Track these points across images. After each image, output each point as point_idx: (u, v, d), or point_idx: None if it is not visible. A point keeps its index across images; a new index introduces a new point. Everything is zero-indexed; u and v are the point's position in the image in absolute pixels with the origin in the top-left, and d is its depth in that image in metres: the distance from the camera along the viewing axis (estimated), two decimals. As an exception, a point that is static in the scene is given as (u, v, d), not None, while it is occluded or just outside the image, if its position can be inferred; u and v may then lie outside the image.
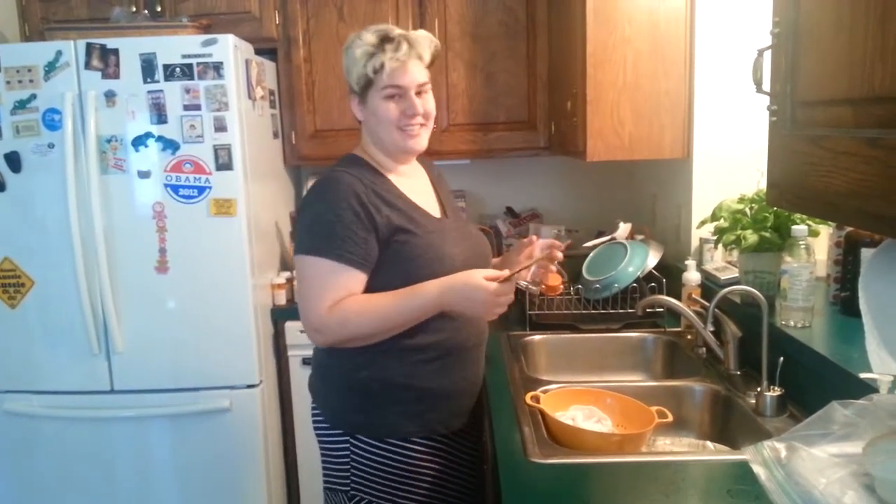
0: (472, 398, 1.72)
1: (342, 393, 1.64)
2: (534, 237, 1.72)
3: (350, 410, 1.63)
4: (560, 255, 1.65)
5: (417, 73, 1.56)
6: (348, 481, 1.64)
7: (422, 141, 1.61)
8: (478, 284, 1.46)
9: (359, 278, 1.52)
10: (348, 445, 1.63)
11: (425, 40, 1.58)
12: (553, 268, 1.68)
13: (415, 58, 1.55)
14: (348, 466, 1.63)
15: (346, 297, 1.51)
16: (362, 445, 1.61)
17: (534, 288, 1.75)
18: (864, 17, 0.78)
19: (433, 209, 1.67)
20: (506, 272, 1.50)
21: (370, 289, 1.55)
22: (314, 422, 1.72)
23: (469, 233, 1.72)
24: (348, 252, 1.50)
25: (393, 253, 1.54)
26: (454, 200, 1.84)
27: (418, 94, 1.57)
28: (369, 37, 1.54)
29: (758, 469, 0.99)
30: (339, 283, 1.51)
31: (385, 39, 1.54)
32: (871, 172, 0.78)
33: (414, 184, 1.68)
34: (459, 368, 1.64)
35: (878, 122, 0.77)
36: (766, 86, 1.03)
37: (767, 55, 1.02)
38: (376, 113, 1.58)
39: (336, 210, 1.51)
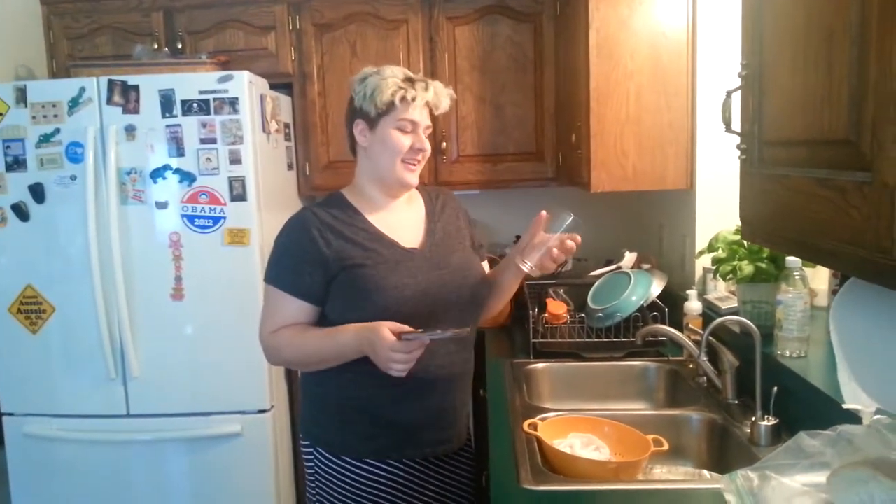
0: (434, 430, 1.69)
1: (307, 404, 1.75)
2: (543, 213, 1.62)
3: (312, 422, 1.73)
4: (573, 245, 1.57)
5: (429, 117, 1.66)
6: (314, 491, 1.72)
7: (416, 176, 1.68)
8: (379, 335, 1.45)
9: (300, 306, 1.62)
10: (313, 457, 1.71)
11: (446, 92, 1.67)
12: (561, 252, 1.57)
13: (434, 103, 1.65)
14: (314, 476, 1.72)
15: (287, 322, 1.63)
16: (321, 458, 1.69)
17: (536, 271, 1.62)
18: (814, 64, 0.82)
19: (408, 240, 1.68)
20: (408, 329, 1.46)
21: (325, 316, 1.64)
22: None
23: (448, 263, 1.68)
24: (290, 282, 1.62)
25: (342, 283, 1.60)
26: (461, 231, 1.81)
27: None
28: (398, 71, 1.64)
29: (730, 498, 1.01)
30: (282, 309, 1.63)
31: (412, 79, 1.64)
32: (824, 211, 0.82)
33: (395, 217, 1.71)
34: (417, 398, 1.64)
35: (827, 163, 0.81)
36: (736, 125, 1.07)
37: (736, 96, 1.06)
38: (385, 141, 1.63)
39: (287, 244, 1.65)
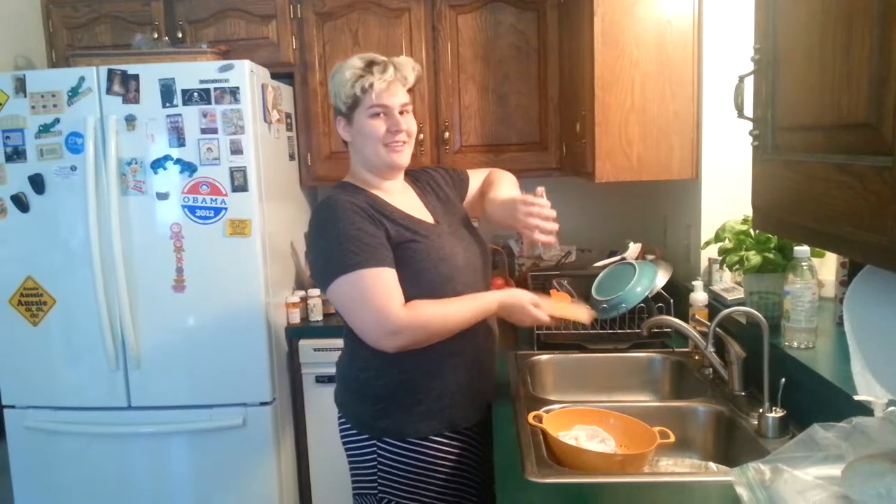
0: (488, 393, 1.84)
1: (366, 400, 1.73)
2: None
3: (375, 416, 1.72)
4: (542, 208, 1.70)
5: (401, 94, 1.68)
6: (375, 484, 1.72)
7: (405, 157, 1.72)
8: (522, 293, 1.70)
9: (394, 275, 1.61)
10: (374, 449, 1.72)
11: (408, 64, 1.70)
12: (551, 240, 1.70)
13: (399, 80, 1.67)
14: (375, 470, 1.72)
15: (400, 294, 1.60)
16: (387, 448, 1.70)
17: (529, 252, 1.87)
18: (832, 47, 0.80)
19: (426, 218, 1.76)
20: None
21: None
22: (341, 432, 1.81)
23: (463, 235, 1.81)
24: (382, 256, 1.60)
25: (400, 258, 1.63)
26: (448, 205, 1.87)
27: (401, 113, 1.68)
28: (357, 61, 1.67)
29: (741, 491, 0.99)
30: (392, 284, 1.59)
31: (371, 63, 1.66)
32: (841, 198, 0.80)
33: (403, 198, 1.77)
34: (475, 364, 1.76)
35: (846, 147, 0.78)
36: (749, 111, 1.04)
37: (749, 81, 1.03)
38: (363, 131, 1.67)
39: (354, 224, 1.60)
